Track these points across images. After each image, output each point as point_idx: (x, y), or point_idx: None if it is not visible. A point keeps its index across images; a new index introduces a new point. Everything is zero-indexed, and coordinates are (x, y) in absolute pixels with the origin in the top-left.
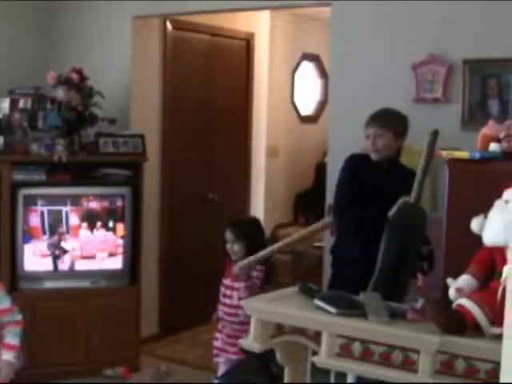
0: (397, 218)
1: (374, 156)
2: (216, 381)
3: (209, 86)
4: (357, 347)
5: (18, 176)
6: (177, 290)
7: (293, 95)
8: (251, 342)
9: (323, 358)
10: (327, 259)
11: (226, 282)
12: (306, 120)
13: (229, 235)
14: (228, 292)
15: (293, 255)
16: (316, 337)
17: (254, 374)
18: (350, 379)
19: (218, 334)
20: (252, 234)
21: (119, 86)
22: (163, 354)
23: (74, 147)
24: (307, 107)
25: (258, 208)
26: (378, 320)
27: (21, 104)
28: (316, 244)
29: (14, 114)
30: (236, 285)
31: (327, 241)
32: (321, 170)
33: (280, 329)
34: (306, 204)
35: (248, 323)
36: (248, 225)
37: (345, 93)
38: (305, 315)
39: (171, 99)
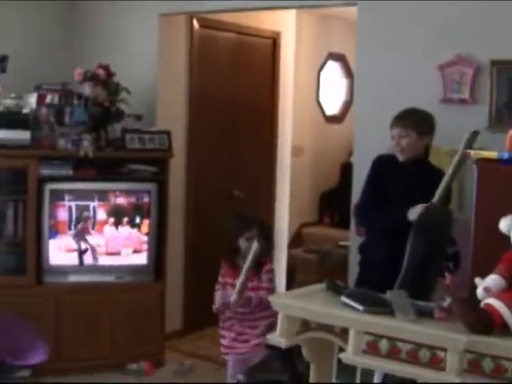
0: (423, 218)
1: (400, 156)
2: (240, 377)
3: (234, 85)
4: (384, 344)
5: (45, 171)
6: (201, 287)
7: (318, 95)
8: (277, 338)
9: (350, 354)
10: (352, 258)
11: (232, 281)
12: (331, 119)
13: (253, 233)
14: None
15: (318, 254)
16: (343, 334)
17: (279, 372)
18: (376, 377)
19: (225, 333)
20: (272, 238)
21: (145, 82)
22: (187, 350)
23: (101, 143)
24: (333, 107)
25: (283, 206)
26: (406, 318)
27: (48, 99)
28: (341, 243)
29: (41, 109)
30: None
31: (353, 240)
32: (346, 169)
33: (306, 325)
34: (331, 203)
35: (258, 319)
36: (270, 228)
37: (370, 93)
38: (332, 312)
39: (197, 97)
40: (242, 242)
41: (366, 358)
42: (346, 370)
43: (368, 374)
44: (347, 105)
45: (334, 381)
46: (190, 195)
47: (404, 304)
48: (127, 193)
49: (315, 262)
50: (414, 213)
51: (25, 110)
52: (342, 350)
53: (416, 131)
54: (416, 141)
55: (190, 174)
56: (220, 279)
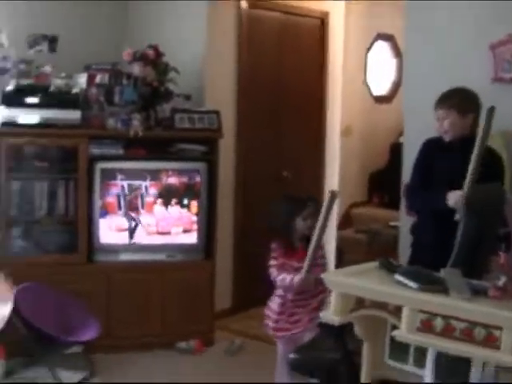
0: (475, 197)
1: (445, 137)
2: (291, 356)
3: (283, 65)
4: (438, 322)
5: (95, 150)
6: (250, 266)
7: (366, 75)
8: (331, 315)
9: (404, 332)
10: (403, 239)
11: (295, 264)
12: (379, 100)
13: (309, 212)
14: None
15: (367, 234)
16: (396, 311)
17: (331, 350)
18: (429, 355)
19: (276, 316)
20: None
21: (194, 63)
22: (237, 329)
23: (150, 122)
24: (381, 87)
25: (332, 187)
26: (460, 296)
27: (98, 79)
28: (391, 223)
29: (91, 89)
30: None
31: (403, 220)
32: (396, 150)
33: (360, 303)
34: (381, 184)
35: (309, 298)
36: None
37: (419, 73)
38: (386, 290)
39: (245, 77)
40: (299, 222)
41: (419, 335)
42: (399, 348)
43: (421, 351)
44: (396, 85)
45: (386, 359)
46: (239, 175)
47: (458, 282)
48: (178, 172)
49: (365, 243)
50: (452, 198)
51: (75, 90)
52: (395, 327)
53: (457, 111)
54: (459, 120)
55: (239, 154)
56: (275, 262)
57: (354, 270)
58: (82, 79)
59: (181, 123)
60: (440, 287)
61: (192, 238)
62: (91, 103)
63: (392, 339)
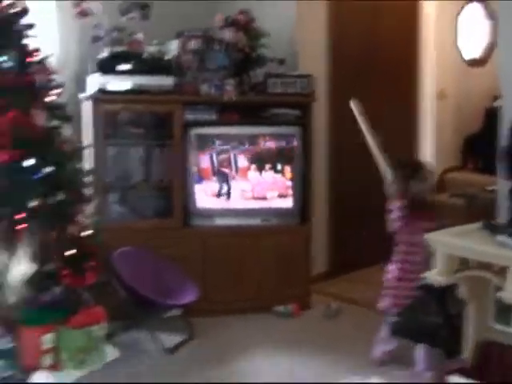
0: None
1: None
2: (393, 319)
3: (374, 30)
4: None
5: (189, 116)
6: (345, 230)
7: (459, 38)
8: (436, 276)
9: (510, 293)
10: (500, 202)
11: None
12: (472, 63)
13: (423, 174)
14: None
15: (464, 198)
16: (502, 272)
17: (431, 314)
18: None
19: (398, 293)
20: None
21: (286, 29)
22: (333, 292)
23: (244, 87)
24: (474, 50)
25: (427, 152)
26: None
27: (190, 45)
28: (488, 187)
29: (184, 55)
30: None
31: (500, 185)
32: (490, 114)
33: (465, 263)
34: (475, 148)
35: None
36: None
37: None
38: (491, 251)
39: (337, 42)
40: (415, 185)
41: None
42: (505, 310)
43: None
44: (489, 48)
45: (491, 322)
46: (333, 140)
47: None
48: (272, 137)
49: (461, 207)
50: None
51: (168, 57)
52: (499, 289)
53: None
54: None
55: (331, 118)
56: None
57: (458, 230)
58: (175, 46)
59: (274, 88)
60: None
61: (287, 203)
62: (184, 69)
63: (497, 301)
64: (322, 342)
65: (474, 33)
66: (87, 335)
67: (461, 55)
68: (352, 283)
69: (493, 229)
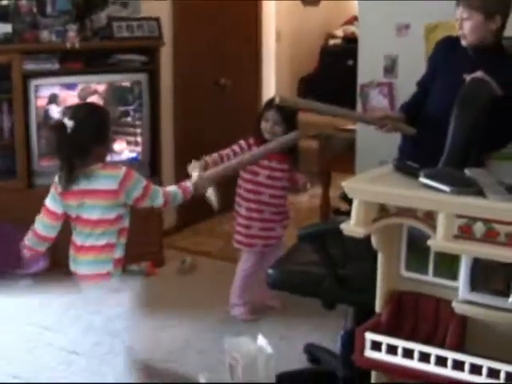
0: (467, 94)
1: (463, 42)
2: (270, 271)
3: None
4: (479, 228)
5: (29, 66)
6: None
7: None
8: (353, 228)
9: (440, 241)
10: (360, 143)
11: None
12: (307, 1)
13: (273, 116)
14: (267, 172)
15: (319, 139)
16: (427, 218)
17: (312, 263)
18: (463, 263)
19: (250, 222)
20: (294, 119)
21: None
22: (184, 247)
23: (87, 33)
24: None
25: (269, 93)
26: (499, 197)
27: None
28: (344, 127)
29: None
30: (276, 165)
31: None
32: (325, 53)
33: (384, 211)
34: (311, 88)
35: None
36: (292, 110)
37: None
38: (417, 194)
39: None
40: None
41: (458, 243)
42: (418, 257)
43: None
44: None
45: (403, 270)
46: (178, 85)
47: (491, 182)
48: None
49: (314, 150)
50: None
51: (4, 2)
52: (412, 236)
53: (481, 12)
54: (481, 24)
55: (176, 62)
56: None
57: (372, 174)
58: None
59: (119, 32)
60: (474, 189)
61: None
62: (22, 15)
63: (409, 249)
64: (181, 300)
65: None
66: None
67: None
68: (201, 235)
69: (408, 170)
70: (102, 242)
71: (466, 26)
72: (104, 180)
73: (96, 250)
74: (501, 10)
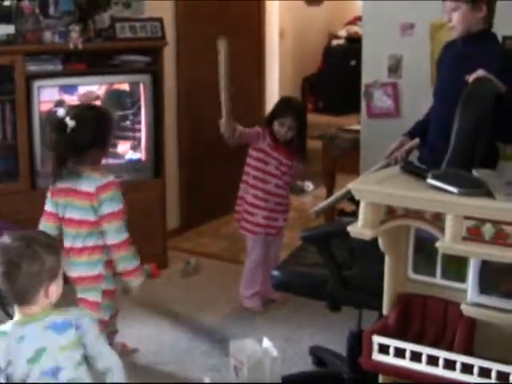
0: (470, 95)
1: (454, 33)
2: (275, 272)
3: None
4: (488, 229)
5: (32, 67)
6: (196, 182)
7: None
8: (360, 229)
9: (448, 242)
10: (364, 142)
11: (266, 148)
12: (311, 1)
13: (291, 123)
14: (276, 163)
15: (323, 140)
16: (435, 220)
17: (316, 265)
18: (472, 266)
19: (255, 210)
20: (305, 127)
21: None
22: (188, 248)
23: (90, 34)
24: None
25: (273, 92)
26: (508, 198)
27: None
28: (348, 127)
29: (24, 0)
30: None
31: (364, 124)
32: (328, 53)
33: (391, 213)
34: (314, 89)
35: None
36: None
37: None
38: (425, 196)
39: None
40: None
41: (467, 245)
42: (425, 259)
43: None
44: None
45: (410, 273)
46: (181, 86)
47: (500, 183)
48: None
49: (318, 150)
50: None
51: (7, 2)
52: (419, 238)
53: (467, 1)
54: (468, 14)
55: (180, 64)
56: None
57: (380, 176)
58: None
59: (122, 33)
60: (482, 190)
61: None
62: (25, 16)
63: (416, 251)
64: (186, 302)
65: None
66: None
67: None
68: (204, 237)
69: (416, 171)
70: (89, 243)
71: (454, 18)
72: (87, 181)
73: (86, 252)
74: (484, 1)
